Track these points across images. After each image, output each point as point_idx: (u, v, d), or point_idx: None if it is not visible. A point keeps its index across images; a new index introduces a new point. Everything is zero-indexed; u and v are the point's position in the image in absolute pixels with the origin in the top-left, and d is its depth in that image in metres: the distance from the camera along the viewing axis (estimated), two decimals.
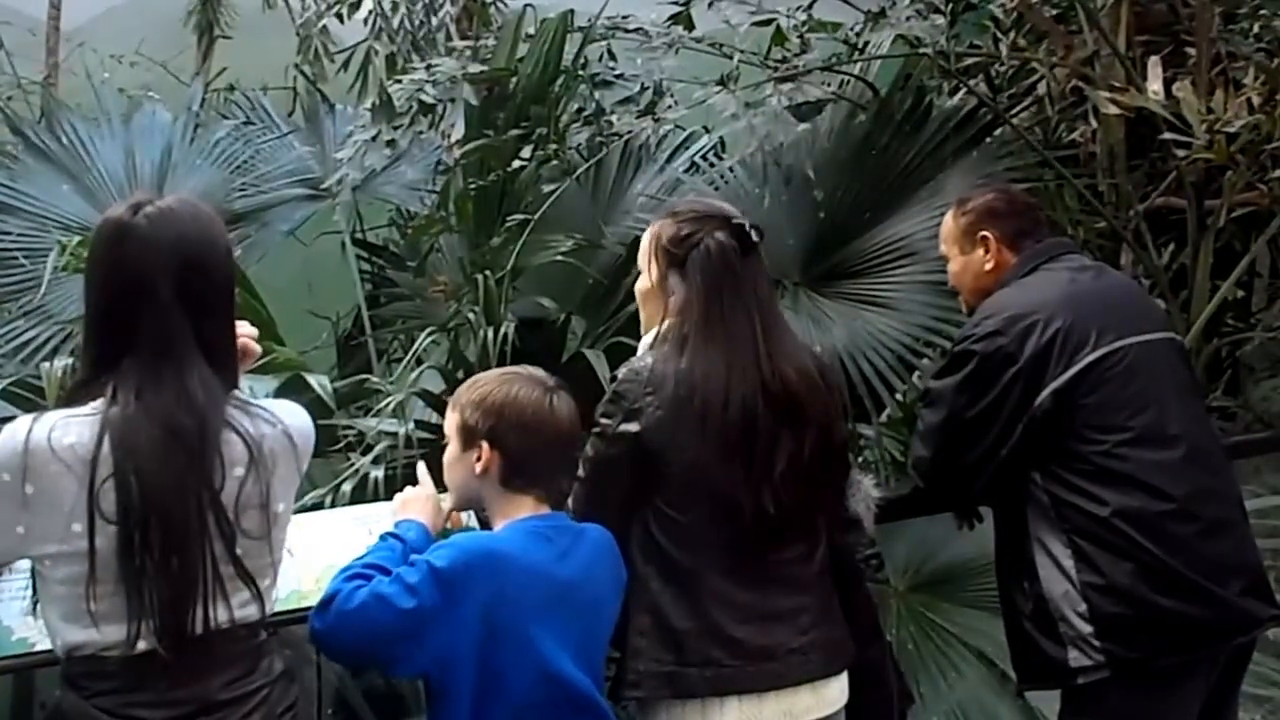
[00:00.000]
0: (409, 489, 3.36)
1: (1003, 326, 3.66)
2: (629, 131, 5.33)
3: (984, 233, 3.90)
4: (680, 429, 3.23)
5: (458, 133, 5.51)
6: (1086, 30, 5.97)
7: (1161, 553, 3.53)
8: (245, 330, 2.98)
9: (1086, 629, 3.53)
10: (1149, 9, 6.27)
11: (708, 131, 6.29)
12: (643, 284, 3.47)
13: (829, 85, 5.80)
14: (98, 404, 2.66)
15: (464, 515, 3.35)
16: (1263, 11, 5.99)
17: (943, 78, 5.89)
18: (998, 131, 5.94)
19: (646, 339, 3.45)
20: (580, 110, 5.63)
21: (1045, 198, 5.98)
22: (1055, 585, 3.59)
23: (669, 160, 6.28)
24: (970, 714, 4.64)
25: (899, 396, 5.58)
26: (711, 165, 6.23)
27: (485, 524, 3.29)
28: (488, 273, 4.96)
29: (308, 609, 3.07)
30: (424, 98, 5.70)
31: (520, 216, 5.26)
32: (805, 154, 5.80)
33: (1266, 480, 5.37)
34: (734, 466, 3.24)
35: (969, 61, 5.96)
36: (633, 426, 3.25)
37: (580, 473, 3.32)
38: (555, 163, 5.44)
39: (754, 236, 3.39)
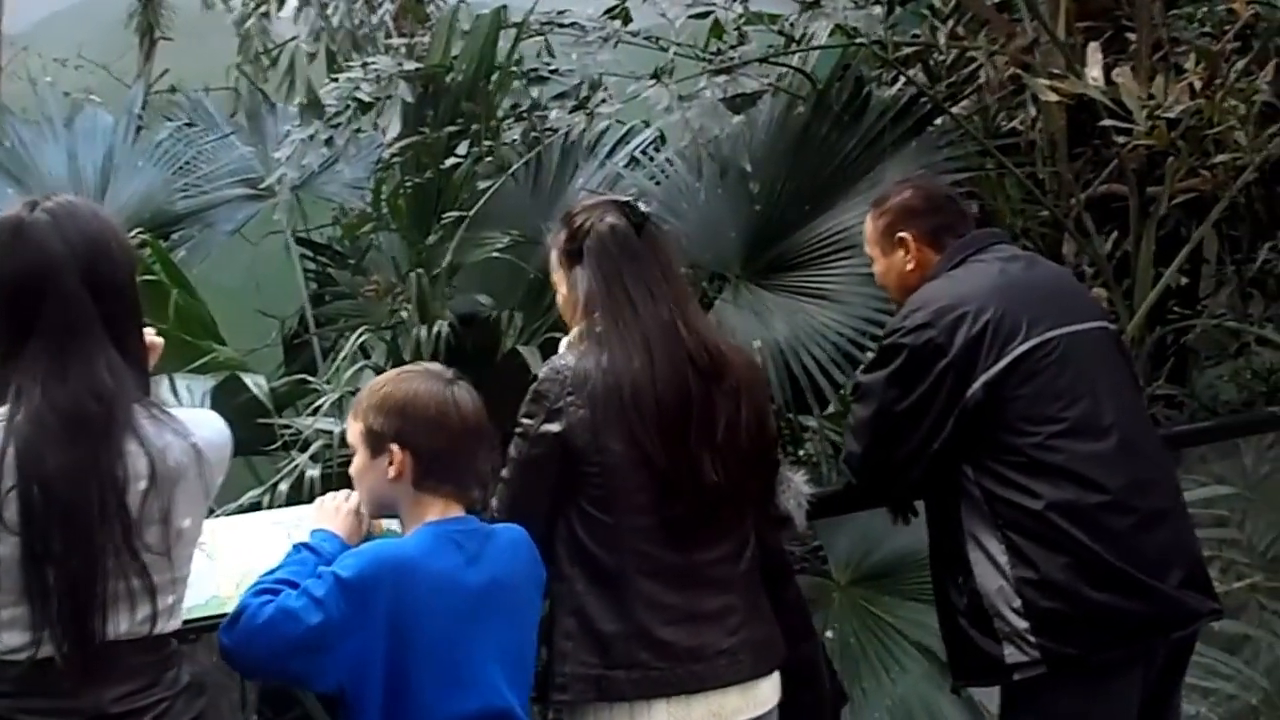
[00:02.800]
0: (327, 496, 3.22)
1: (932, 318, 3.54)
2: (563, 127, 5.18)
3: (902, 233, 3.78)
4: (608, 425, 3.13)
5: (393, 130, 5.36)
6: (1026, 17, 5.84)
7: (1096, 546, 3.40)
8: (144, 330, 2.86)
9: (1022, 625, 3.41)
10: None
11: (647, 126, 6.15)
12: (560, 294, 3.39)
13: (767, 77, 5.66)
14: (2, 411, 2.56)
15: (385, 522, 3.20)
16: None
17: (881, 68, 5.75)
18: (938, 121, 5.81)
19: (565, 340, 3.34)
20: (515, 106, 5.48)
21: (987, 187, 5.90)
22: (989, 581, 3.46)
23: (609, 155, 6.15)
24: (913, 709, 4.51)
25: (841, 390, 5.46)
26: (651, 159, 6.09)
27: None
28: (421, 271, 4.82)
29: (226, 615, 2.93)
30: (361, 96, 5.56)
31: (456, 214, 5.11)
32: (744, 147, 5.66)
33: (1212, 469, 5.25)
34: (673, 440, 3.15)
35: (907, 51, 5.82)
36: (555, 426, 3.14)
37: (504, 474, 3.20)
38: (489, 159, 5.29)
39: (643, 209, 3.32)
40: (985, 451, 3.50)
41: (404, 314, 4.75)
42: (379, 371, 4.84)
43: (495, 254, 5.17)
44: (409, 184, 5.23)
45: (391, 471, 2.99)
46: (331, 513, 3.13)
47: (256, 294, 6.88)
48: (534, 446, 3.17)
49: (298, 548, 2.99)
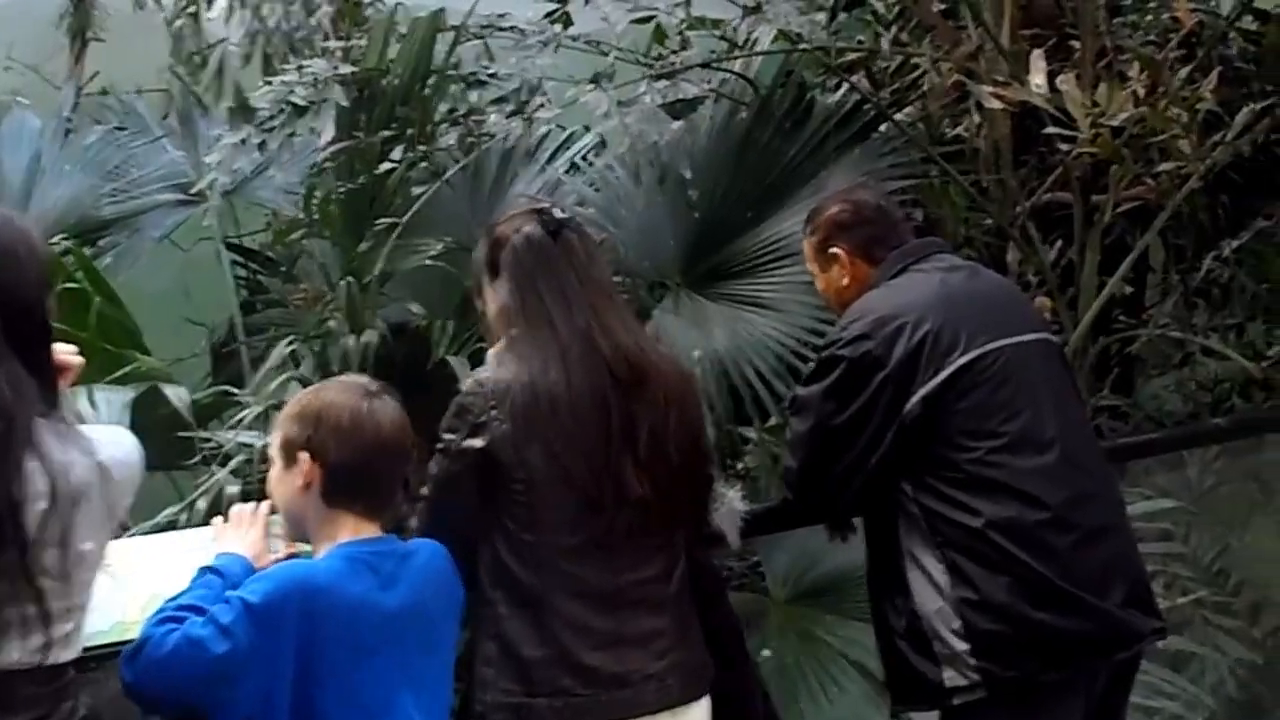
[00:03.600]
0: (235, 507, 3.08)
1: (869, 330, 3.42)
2: (500, 132, 5.05)
3: (833, 248, 3.67)
4: (529, 439, 3.02)
5: (327, 134, 5.21)
6: (971, 25, 5.73)
7: (1038, 565, 3.30)
8: (64, 349, 2.71)
9: (962, 647, 3.29)
10: (1034, 2, 6.05)
11: (588, 130, 6.02)
12: (486, 307, 3.28)
13: (709, 83, 5.54)
14: None
15: (302, 545, 3.06)
16: (1151, 4, 5.80)
17: (825, 74, 5.64)
18: (882, 128, 5.70)
19: (490, 353, 3.23)
20: (452, 111, 5.35)
21: (931, 195, 5.78)
22: (929, 601, 3.35)
23: (549, 161, 6.02)
24: None
25: (783, 402, 5.34)
26: (592, 165, 5.96)
27: None
28: (351, 279, 4.68)
29: (131, 642, 2.78)
30: (295, 99, 5.42)
31: (389, 220, 4.97)
32: (684, 153, 5.55)
33: (1156, 482, 5.15)
34: (593, 453, 3.04)
35: (851, 58, 5.71)
36: (477, 441, 3.02)
37: (425, 491, 3.07)
38: (424, 165, 5.15)
39: (558, 214, 3.21)
40: (924, 467, 3.39)
41: (333, 323, 4.60)
42: (306, 384, 4.70)
43: (429, 262, 5.01)
44: (342, 190, 5.08)
45: (300, 482, 2.86)
46: (238, 531, 2.99)
47: (187, 301, 6.70)
48: (456, 462, 3.05)
49: (203, 571, 2.85)
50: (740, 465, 5.33)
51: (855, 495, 3.47)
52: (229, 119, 5.42)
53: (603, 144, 5.98)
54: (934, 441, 3.36)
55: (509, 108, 5.19)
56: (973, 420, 3.36)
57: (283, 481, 2.91)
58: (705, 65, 5.47)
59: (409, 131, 5.25)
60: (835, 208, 3.72)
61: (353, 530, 2.86)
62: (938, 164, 5.58)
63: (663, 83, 5.02)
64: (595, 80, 5.04)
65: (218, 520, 3.09)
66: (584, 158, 5.99)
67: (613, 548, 3.05)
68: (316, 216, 5.05)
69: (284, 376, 4.62)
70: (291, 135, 5.52)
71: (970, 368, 3.38)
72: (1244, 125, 5.19)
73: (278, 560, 2.95)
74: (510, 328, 3.14)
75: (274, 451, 2.95)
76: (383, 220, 5.04)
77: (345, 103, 5.27)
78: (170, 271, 6.90)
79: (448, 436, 3.07)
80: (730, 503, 3.37)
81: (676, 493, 3.12)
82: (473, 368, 4.53)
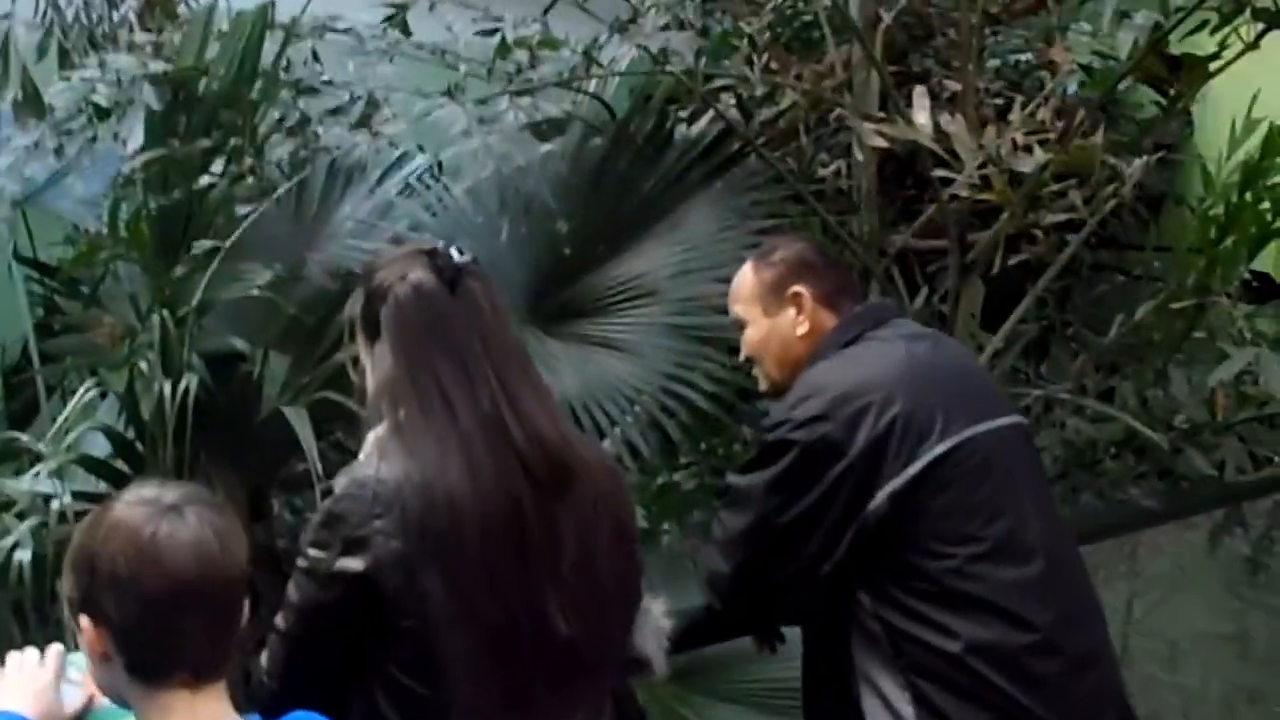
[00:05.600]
0: (13, 657, 2.17)
1: (828, 410, 2.70)
2: (340, 146, 4.16)
3: (796, 288, 2.93)
4: (428, 562, 2.20)
5: (135, 141, 4.25)
6: (836, 60, 5.01)
7: (1023, 697, 2.62)
8: None
9: None
10: (895, 39, 5.35)
11: (423, 151, 5.14)
12: (367, 380, 2.45)
13: (564, 104, 4.72)
14: None
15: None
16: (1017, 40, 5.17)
17: (690, 100, 4.86)
18: (749, 160, 4.94)
19: (370, 437, 2.38)
20: (281, 120, 4.42)
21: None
22: None
23: (381, 180, 5.11)
24: None
25: (639, 454, 4.57)
26: (428, 187, 5.09)
27: None
28: (166, 312, 3.74)
29: None
30: (98, 100, 4.45)
31: (209, 243, 4.04)
32: (534, 179, 4.72)
33: None
34: (506, 581, 2.24)
35: (719, 83, 4.93)
36: (356, 563, 2.21)
37: (279, 623, 2.20)
38: (252, 180, 4.22)
39: (457, 257, 2.40)
40: (888, 577, 2.67)
41: (144, 364, 3.66)
42: (111, 436, 3.75)
43: (256, 292, 4.08)
44: (154, 206, 4.13)
45: (94, 651, 1.99)
46: (20, 680, 2.08)
47: None
48: (325, 589, 2.23)
49: None
50: None
51: (799, 606, 2.70)
52: (15, 112, 4.41)
53: (439, 165, 5.11)
54: (902, 546, 2.65)
55: (346, 119, 4.28)
56: (949, 522, 2.67)
57: (88, 649, 2.02)
58: (563, 84, 4.64)
59: (233, 141, 4.30)
60: (800, 244, 3.04)
61: (187, 711, 1.96)
62: (805, 202, 4.85)
63: (526, 100, 4.16)
64: (450, 93, 4.17)
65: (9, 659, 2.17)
66: (419, 179, 5.13)
67: (529, 703, 2.27)
68: (125, 235, 4.06)
69: (83, 427, 3.66)
70: (93, 140, 4.57)
71: (946, 459, 2.67)
72: (1138, 177, 4.55)
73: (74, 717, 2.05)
74: (396, 407, 2.32)
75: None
76: (201, 242, 4.09)
77: (157, 106, 4.31)
78: None
79: (314, 554, 2.25)
80: (654, 619, 2.56)
81: (609, 625, 2.35)
82: (314, 420, 3.70)
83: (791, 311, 2.94)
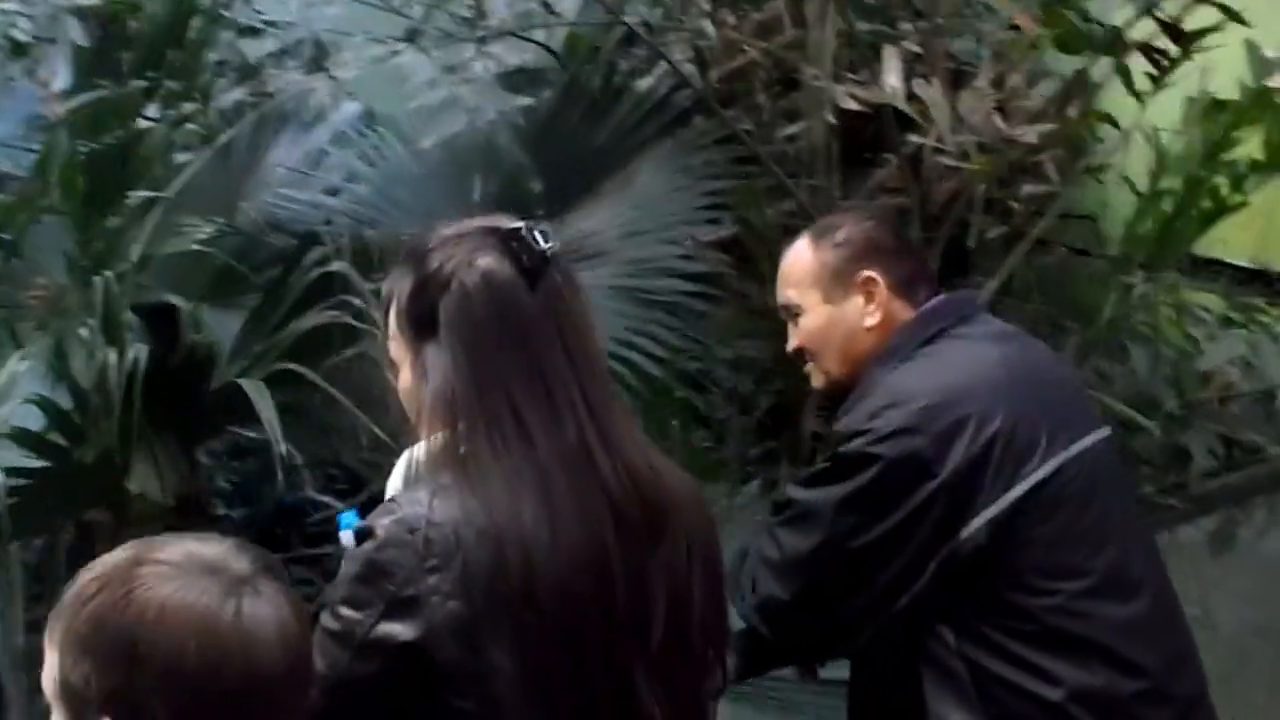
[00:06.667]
0: None
1: (918, 422, 2.30)
2: (291, 90, 3.70)
3: (867, 273, 2.50)
4: (497, 629, 1.73)
5: (61, 81, 3.76)
6: (786, 15, 4.64)
7: None
8: None
9: None
10: None
11: (351, 96, 4.65)
12: (402, 379, 1.93)
13: (524, 54, 4.30)
14: None
15: None
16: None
17: (648, 54, 4.46)
18: (697, 119, 4.56)
19: (411, 457, 1.90)
20: (221, 63, 3.93)
21: (748, 199, 4.67)
22: None
23: (312, 124, 4.63)
24: None
25: None
26: (364, 135, 4.63)
27: None
28: (108, 273, 3.28)
29: None
30: (16, 35, 3.95)
31: (148, 193, 3.57)
32: (488, 131, 4.29)
33: None
34: (589, 653, 1.76)
35: (674, 37, 4.54)
36: (403, 629, 1.73)
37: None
38: (193, 125, 3.74)
39: (543, 246, 1.88)
40: (979, 612, 2.30)
41: (84, 332, 3.19)
42: (48, 409, 3.28)
43: (197, 246, 3.62)
44: (84, 152, 3.63)
45: None
46: None
47: None
48: (361, 659, 1.74)
49: None
50: None
51: (867, 641, 2.35)
52: None
53: (370, 114, 4.64)
54: (997, 579, 2.28)
55: (294, 63, 3.82)
56: (1053, 554, 2.30)
57: None
58: (517, 34, 4.21)
59: (168, 84, 3.81)
60: (869, 222, 2.59)
61: None
62: (761, 163, 4.48)
63: (496, 48, 3.73)
64: (411, 39, 3.73)
65: None
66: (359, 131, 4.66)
67: None
68: (54, 182, 3.56)
69: (18, 400, 3.19)
70: (11, 80, 4.06)
71: (1050, 482, 2.30)
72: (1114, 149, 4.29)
73: None
74: (456, 427, 1.83)
75: (49, 688, 1.51)
76: (136, 193, 3.62)
77: (84, 42, 3.82)
78: None
79: (348, 615, 1.75)
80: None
81: (701, 698, 1.91)
82: (272, 392, 3.28)
83: (859, 300, 2.50)
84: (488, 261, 1.85)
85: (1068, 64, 4.82)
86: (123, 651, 1.43)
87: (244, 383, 3.23)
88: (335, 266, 3.46)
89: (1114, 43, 4.11)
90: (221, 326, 3.79)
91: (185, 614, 1.43)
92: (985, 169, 4.00)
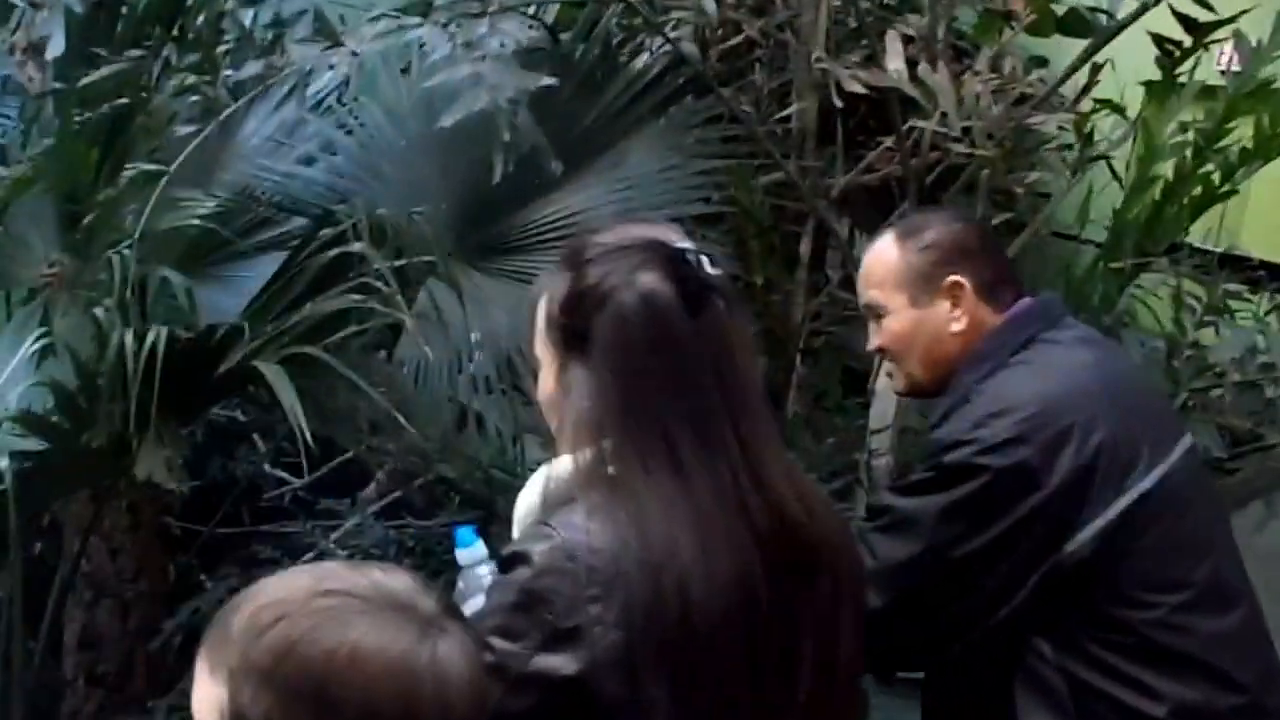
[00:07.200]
0: None
1: (1025, 431, 2.23)
2: (306, 64, 3.52)
3: (954, 277, 2.42)
4: (656, 663, 1.63)
5: (55, 49, 3.55)
6: None
7: None
8: None
9: None
10: None
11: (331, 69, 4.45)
12: (544, 381, 1.83)
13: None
14: None
15: None
16: None
17: (646, 28, 4.32)
18: (704, 98, 4.44)
19: (554, 469, 1.80)
20: (220, 32, 3.73)
21: (739, 180, 4.55)
22: None
23: (289, 95, 4.44)
24: None
25: None
26: (344, 104, 4.47)
27: None
28: (126, 250, 3.11)
29: None
30: None
31: (149, 166, 3.39)
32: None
33: None
34: (735, 697, 1.68)
35: (677, 14, 4.40)
36: (564, 662, 1.64)
37: None
38: (197, 97, 3.55)
39: (709, 271, 1.78)
40: (1080, 625, 2.24)
41: (100, 312, 3.02)
42: (62, 396, 3.09)
43: (196, 222, 3.46)
44: (79, 121, 3.43)
45: None
46: None
47: None
48: (515, 694, 1.64)
49: None
50: None
51: (961, 652, 2.27)
52: None
53: (345, 82, 4.45)
54: (1100, 592, 2.22)
55: (300, 34, 3.63)
56: (1156, 566, 2.25)
57: None
58: (513, 9, 4.04)
59: (165, 54, 3.62)
60: (957, 224, 2.50)
61: None
62: (757, 143, 4.37)
63: (511, 23, 3.57)
64: (424, 11, 3.56)
65: None
66: (339, 101, 4.47)
67: None
68: (60, 157, 3.36)
69: (31, 380, 3.01)
70: None
71: (1152, 494, 2.24)
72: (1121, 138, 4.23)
73: None
74: (605, 450, 1.73)
75: (203, 707, 1.38)
76: (136, 165, 3.44)
77: (78, 8, 3.61)
78: None
79: (502, 646, 1.64)
80: None
81: None
82: (291, 377, 3.12)
83: (946, 304, 2.43)
84: (649, 281, 1.75)
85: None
86: (311, 693, 1.32)
87: (263, 366, 3.06)
88: (356, 247, 3.29)
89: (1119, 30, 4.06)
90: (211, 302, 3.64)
91: (380, 658, 1.32)
92: (997, 158, 3.92)
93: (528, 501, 1.82)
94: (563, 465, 1.78)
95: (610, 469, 1.72)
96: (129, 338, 2.97)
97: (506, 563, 1.70)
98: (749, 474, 1.73)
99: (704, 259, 1.79)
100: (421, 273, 3.93)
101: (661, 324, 1.73)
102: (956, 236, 2.47)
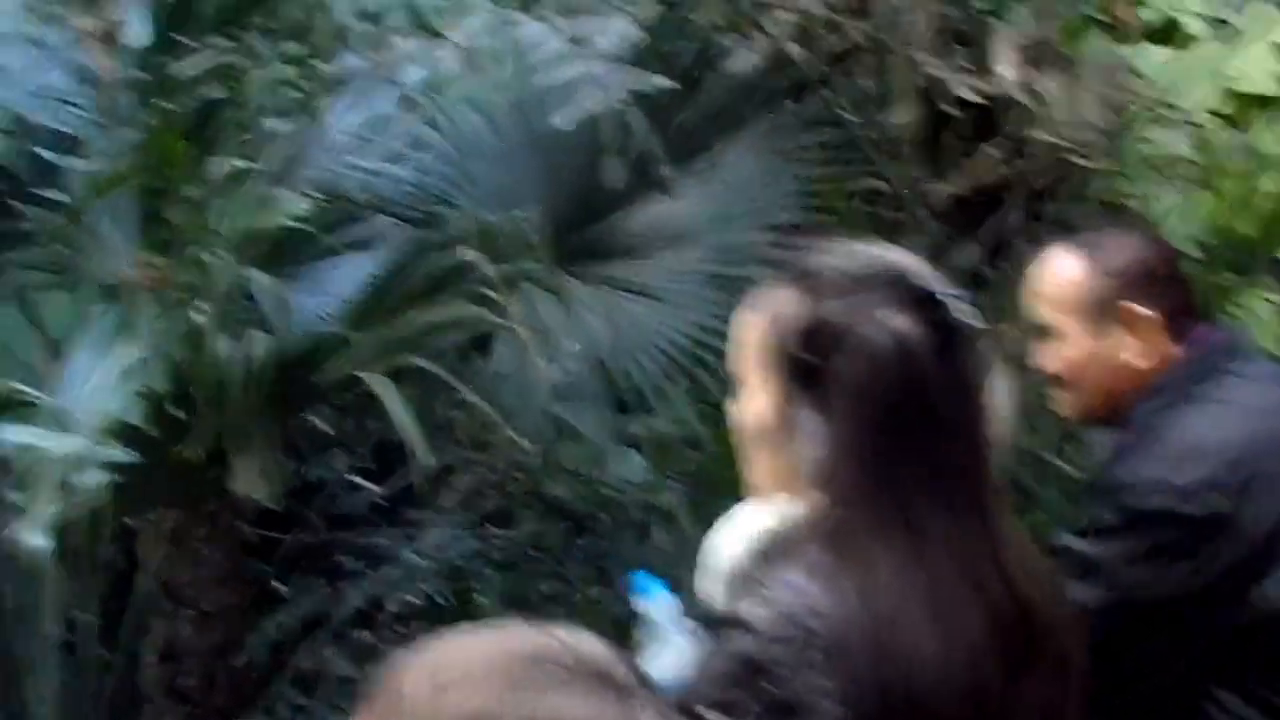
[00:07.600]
0: None
1: (1220, 474, 2.06)
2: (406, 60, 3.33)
3: (1134, 307, 2.23)
4: None
5: (139, 36, 3.36)
6: None
7: None
8: None
9: None
10: None
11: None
12: (755, 410, 1.63)
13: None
14: None
15: None
16: None
17: (749, 28, 4.12)
18: (790, 102, 4.23)
19: (753, 518, 1.62)
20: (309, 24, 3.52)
21: (834, 189, 4.34)
22: None
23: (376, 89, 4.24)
24: None
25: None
26: (434, 100, 4.26)
27: None
28: (221, 252, 2.91)
29: None
30: None
31: (239, 162, 3.19)
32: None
33: None
34: None
35: (785, 17, 4.19)
36: None
37: None
38: (300, 94, 3.35)
39: (964, 315, 1.60)
40: (1263, 677, 2.07)
41: (200, 318, 2.81)
42: (153, 403, 2.89)
43: (292, 223, 3.25)
44: (165, 110, 3.22)
45: None
46: None
47: None
48: None
49: None
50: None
51: (1141, 700, 2.07)
52: None
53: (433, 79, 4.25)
54: None
55: (396, 29, 3.44)
56: None
57: None
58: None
59: (282, 46, 3.40)
60: (1140, 247, 2.30)
61: None
62: (862, 151, 4.16)
63: (622, 23, 3.38)
64: (525, 7, 3.35)
65: None
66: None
67: None
68: (151, 154, 3.15)
69: (123, 387, 2.81)
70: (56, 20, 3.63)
71: None
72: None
73: None
74: (832, 490, 1.55)
75: None
76: (227, 160, 3.24)
77: None
78: None
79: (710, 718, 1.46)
80: None
81: None
82: (400, 390, 2.93)
83: (1122, 333, 2.25)
84: (900, 325, 1.56)
85: None
86: None
87: (369, 378, 2.86)
88: (469, 255, 3.09)
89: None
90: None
91: None
92: (1109, 169, 3.72)
93: (729, 550, 1.61)
94: (775, 512, 1.58)
95: (839, 525, 1.53)
96: (225, 345, 2.76)
97: (718, 625, 1.51)
98: (988, 545, 1.56)
99: (955, 300, 1.60)
100: (517, 279, 3.76)
101: (913, 373, 1.55)
102: (1143, 261, 2.28)
